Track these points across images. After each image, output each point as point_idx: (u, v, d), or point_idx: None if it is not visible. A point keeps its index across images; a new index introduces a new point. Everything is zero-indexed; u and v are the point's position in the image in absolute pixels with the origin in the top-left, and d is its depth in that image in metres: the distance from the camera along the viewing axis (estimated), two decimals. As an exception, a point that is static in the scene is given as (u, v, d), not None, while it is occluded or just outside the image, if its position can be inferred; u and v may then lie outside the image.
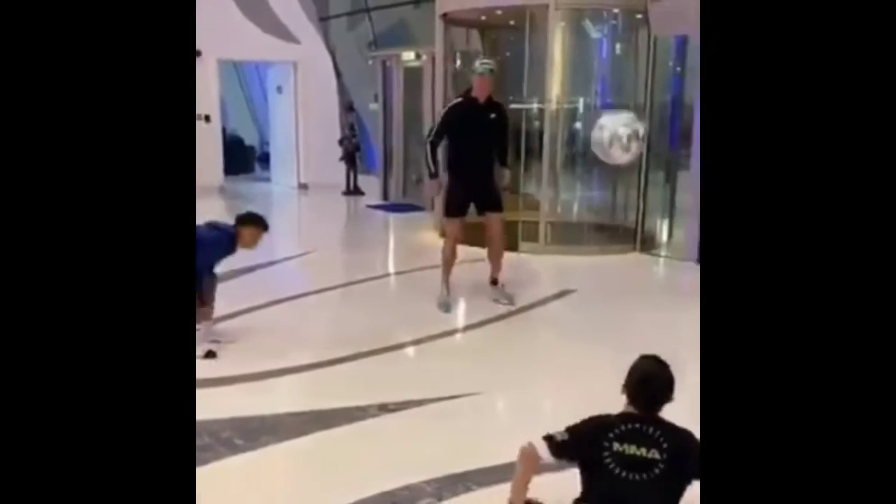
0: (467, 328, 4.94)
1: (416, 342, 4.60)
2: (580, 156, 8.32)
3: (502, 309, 5.19)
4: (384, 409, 3.49)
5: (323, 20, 12.31)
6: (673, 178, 7.84)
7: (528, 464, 2.37)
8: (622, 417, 2.32)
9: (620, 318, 5.22)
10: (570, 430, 2.35)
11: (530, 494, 2.45)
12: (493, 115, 5.09)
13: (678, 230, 7.61)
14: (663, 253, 7.39)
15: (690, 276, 6.52)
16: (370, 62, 11.21)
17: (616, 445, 2.24)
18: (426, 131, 9.39)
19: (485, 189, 5.19)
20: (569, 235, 7.81)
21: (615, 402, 3.47)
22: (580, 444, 2.31)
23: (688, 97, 7.42)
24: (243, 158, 14.28)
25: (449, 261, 5.30)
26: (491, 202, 5.23)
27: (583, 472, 2.35)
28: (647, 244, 7.43)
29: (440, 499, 2.72)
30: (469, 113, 5.07)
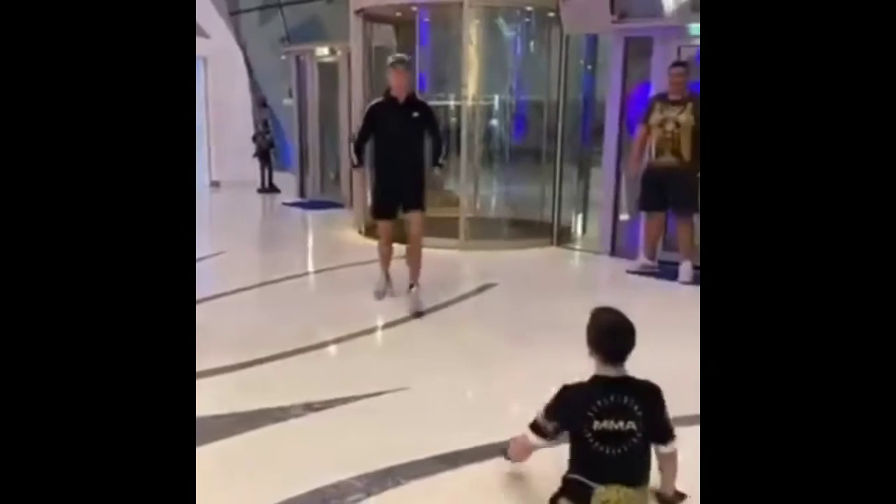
0: (390, 325, 4.92)
1: (339, 340, 4.56)
2: (497, 152, 8.45)
3: (428, 302, 5.19)
4: (309, 407, 3.45)
5: (233, 14, 12.01)
6: (585, 173, 8.07)
7: (526, 453, 2.59)
8: (599, 387, 2.37)
9: (541, 309, 5.33)
10: (552, 412, 2.44)
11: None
12: (415, 115, 5.00)
13: (591, 224, 7.84)
14: (578, 246, 7.60)
15: (604, 267, 6.75)
16: (283, 57, 11.02)
17: (596, 424, 2.32)
18: (344, 128, 9.42)
19: (410, 188, 5.10)
20: (488, 231, 7.90)
21: (540, 391, 3.55)
22: (565, 423, 2.42)
23: (599, 94, 7.65)
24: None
25: (385, 256, 5.40)
26: (412, 200, 5.12)
27: (571, 443, 2.46)
28: (563, 238, 7.61)
29: (369, 494, 2.71)
30: (388, 112, 5.00)
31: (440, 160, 5.29)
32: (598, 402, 2.33)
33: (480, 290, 5.76)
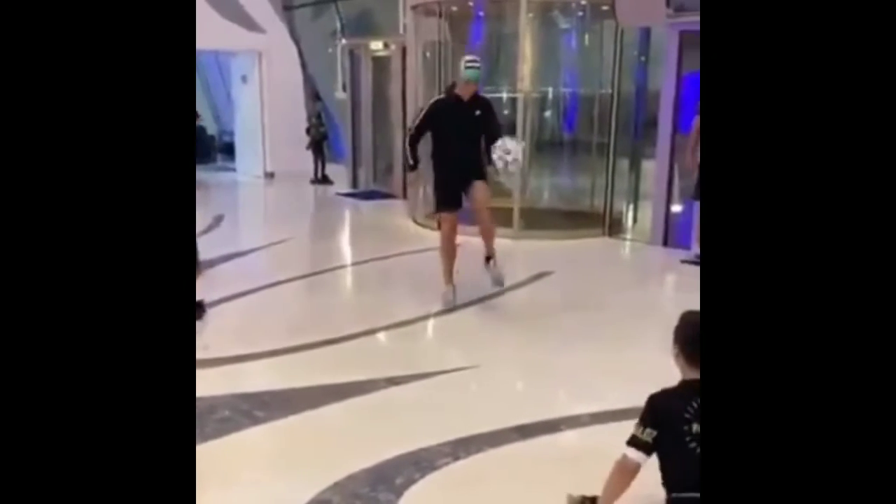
0: (455, 309, 5.09)
1: (409, 322, 4.77)
2: (550, 144, 8.59)
3: (487, 290, 5.32)
4: (392, 382, 3.68)
5: (287, 10, 12.33)
6: (637, 165, 8.18)
7: (627, 476, 2.34)
8: (690, 390, 2.27)
9: (597, 294, 5.51)
10: (647, 419, 2.31)
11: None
12: (478, 113, 4.98)
13: (642, 215, 7.95)
14: (629, 237, 7.72)
15: (657, 257, 6.89)
16: (330, 50, 11.31)
17: (695, 426, 2.22)
18: (396, 120, 9.67)
19: (470, 178, 5.02)
20: (541, 221, 8.06)
21: (604, 366, 3.73)
22: (663, 429, 2.28)
23: (651, 86, 7.74)
24: (206, 148, 14.23)
25: (449, 252, 5.11)
26: (474, 176, 5.02)
27: (661, 454, 2.31)
28: (615, 229, 7.73)
29: (457, 458, 2.93)
30: (452, 111, 4.98)
31: (490, 151, 5.03)
32: (694, 404, 2.24)
33: (538, 276, 5.94)
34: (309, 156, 11.62)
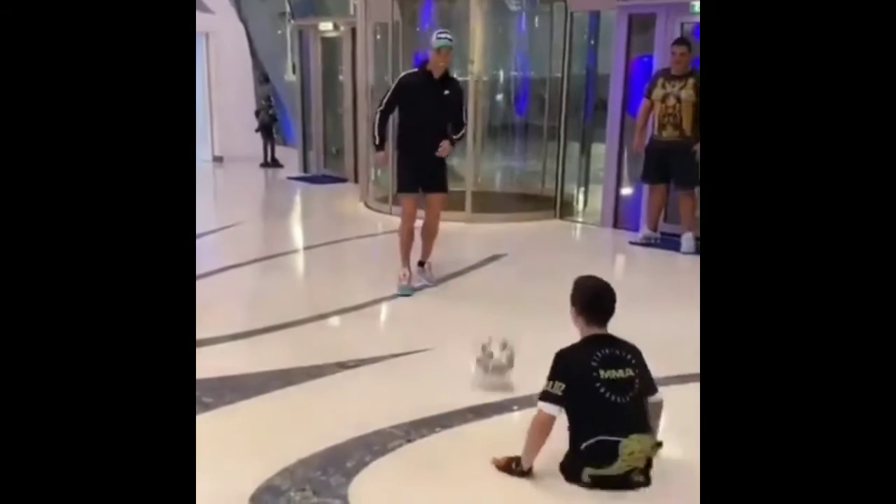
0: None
1: (362, 306, 4.74)
2: (501, 127, 8.59)
3: (442, 272, 5.34)
4: (342, 366, 3.66)
5: (235, -10, 12.07)
6: (587, 148, 8.24)
7: (545, 430, 2.55)
8: (593, 343, 2.58)
9: (549, 275, 5.54)
10: (556, 374, 2.55)
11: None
12: (447, 92, 4.82)
13: (593, 198, 8.03)
14: (580, 219, 7.79)
15: (607, 239, 6.98)
16: (279, 32, 11.10)
17: (602, 373, 2.49)
18: (347, 102, 9.55)
19: (434, 169, 4.95)
20: (493, 204, 8.08)
21: (556, 346, 3.74)
22: (574, 384, 2.51)
23: (600, 69, 7.80)
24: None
25: (406, 241, 5.03)
26: (436, 183, 4.99)
27: (571, 406, 2.54)
28: (566, 211, 7.79)
29: (409, 440, 2.93)
30: (421, 86, 4.81)
31: (455, 136, 4.95)
32: (598, 353, 2.53)
33: (492, 259, 5.96)
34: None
